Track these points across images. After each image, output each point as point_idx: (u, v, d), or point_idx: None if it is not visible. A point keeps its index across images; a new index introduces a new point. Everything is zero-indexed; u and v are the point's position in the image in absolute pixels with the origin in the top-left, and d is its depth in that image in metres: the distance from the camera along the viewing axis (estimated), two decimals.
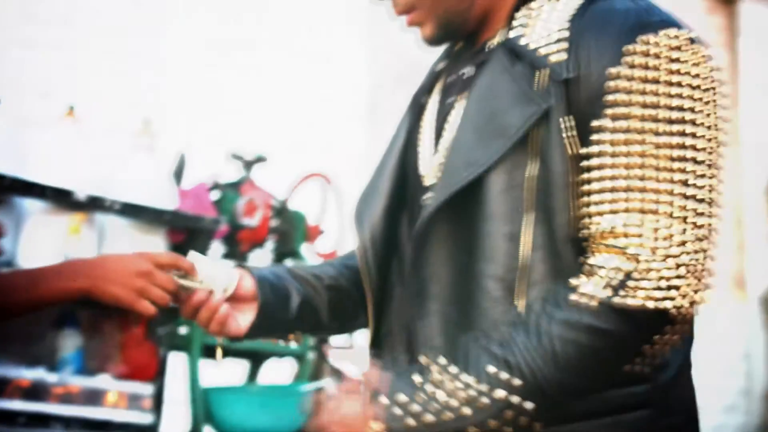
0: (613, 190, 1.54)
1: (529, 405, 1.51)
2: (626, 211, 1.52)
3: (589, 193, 1.56)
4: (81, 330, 3.19)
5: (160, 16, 7.57)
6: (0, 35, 7.00)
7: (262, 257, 3.66)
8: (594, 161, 1.55)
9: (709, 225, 1.55)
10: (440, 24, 1.76)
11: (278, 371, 4.12)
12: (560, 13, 1.65)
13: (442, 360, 1.55)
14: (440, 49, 1.91)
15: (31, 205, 2.89)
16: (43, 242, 2.87)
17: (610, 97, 1.55)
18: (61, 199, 2.84)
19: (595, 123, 1.56)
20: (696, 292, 1.52)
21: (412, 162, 1.78)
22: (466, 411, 1.52)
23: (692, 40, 1.59)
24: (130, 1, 7.49)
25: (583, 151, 1.56)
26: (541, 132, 1.59)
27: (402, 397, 1.54)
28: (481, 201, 1.62)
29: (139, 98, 7.40)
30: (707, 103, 1.58)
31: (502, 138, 1.59)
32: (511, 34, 1.67)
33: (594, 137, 1.55)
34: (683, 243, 1.52)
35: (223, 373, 3.96)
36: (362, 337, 4.25)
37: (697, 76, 1.58)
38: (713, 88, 1.59)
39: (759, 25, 11.01)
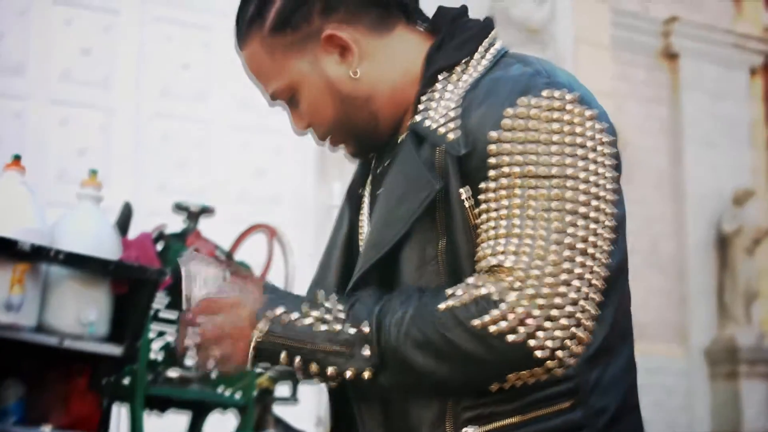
0: (496, 236, 1.62)
1: (366, 351, 1.64)
2: (503, 253, 1.60)
3: (479, 243, 1.65)
4: (23, 380, 3.17)
5: (110, 65, 7.58)
6: None
7: None
8: (482, 217, 1.65)
9: (586, 275, 1.61)
10: (357, 143, 1.88)
11: (221, 423, 4.11)
12: (458, 90, 1.74)
13: (330, 298, 1.70)
14: None
15: None
16: None
17: (492, 160, 1.64)
18: (5, 249, 2.83)
19: (482, 185, 1.65)
20: (570, 338, 1.58)
21: (356, 256, 1.86)
22: (321, 329, 1.66)
23: (579, 101, 1.68)
24: (80, 50, 7.50)
25: (476, 212, 1.66)
26: (444, 208, 1.68)
27: (280, 310, 1.68)
28: (398, 278, 1.73)
29: (87, 147, 7.38)
30: (585, 159, 1.65)
31: (401, 222, 1.70)
32: (417, 118, 1.75)
33: (481, 197, 1.65)
34: (556, 288, 1.58)
35: (167, 424, 3.94)
36: (306, 390, 4.19)
37: (575, 134, 1.66)
38: (594, 147, 1.66)
39: (700, 80, 11.16)
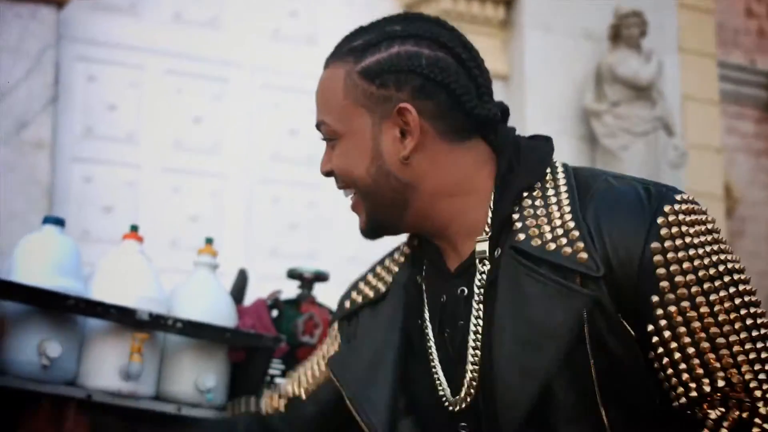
0: (703, 358, 1.56)
1: None
2: (722, 369, 1.54)
3: (675, 364, 1.58)
4: None
5: (220, 132, 7.69)
6: (64, 151, 7.15)
7: None
8: (665, 333, 1.59)
9: None
10: (371, 217, 1.95)
11: None
12: (562, 208, 1.70)
13: None
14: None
15: (94, 323, 2.91)
16: (105, 362, 2.89)
17: (661, 270, 1.60)
18: (124, 318, 2.86)
19: (653, 298, 1.60)
20: None
21: (425, 382, 1.85)
22: None
23: (691, 199, 1.70)
24: (190, 117, 7.63)
25: (650, 328, 1.61)
26: (594, 323, 1.61)
27: None
28: (549, 405, 1.64)
29: (199, 214, 7.49)
30: (726, 246, 1.67)
31: (554, 339, 1.61)
32: (520, 237, 1.71)
33: (658, 311, 1.60)
34: None
35: None
36: None
37: (710, 230, 1.65)
38: (720, 234, 1.67)
39: None
